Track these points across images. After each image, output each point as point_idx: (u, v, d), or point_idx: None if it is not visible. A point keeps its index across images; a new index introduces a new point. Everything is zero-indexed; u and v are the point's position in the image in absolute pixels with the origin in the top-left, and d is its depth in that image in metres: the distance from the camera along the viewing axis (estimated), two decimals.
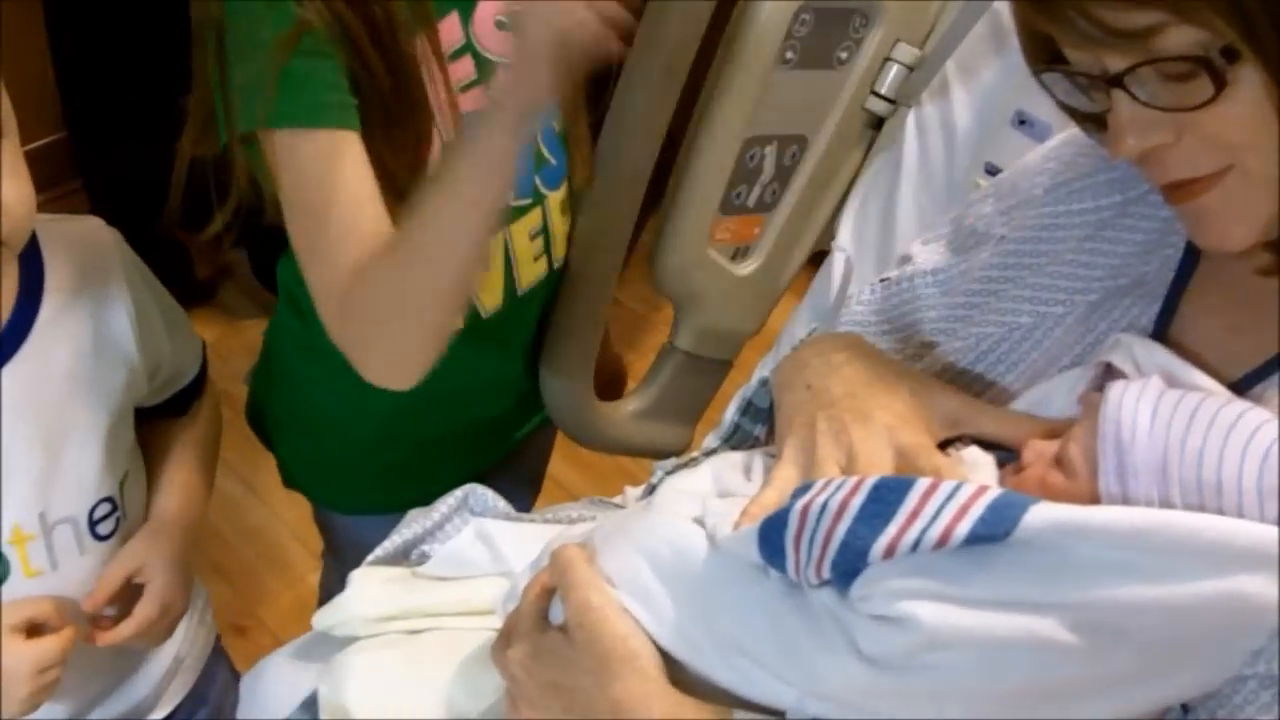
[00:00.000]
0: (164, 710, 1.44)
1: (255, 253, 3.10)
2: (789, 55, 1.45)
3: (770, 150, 1.53)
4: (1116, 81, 0.86)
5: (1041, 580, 0.81)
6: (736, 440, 1.25)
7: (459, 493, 1.32)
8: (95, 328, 1.23)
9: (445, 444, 1.61)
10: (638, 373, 1.85)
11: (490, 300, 1.48)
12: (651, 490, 1.27)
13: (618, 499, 1.50)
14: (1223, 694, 0.84)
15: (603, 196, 1.43)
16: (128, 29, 2.71)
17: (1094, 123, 0.97)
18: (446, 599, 1.24)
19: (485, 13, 1.35)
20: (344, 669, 1.17)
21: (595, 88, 1.66)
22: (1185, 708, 0.85)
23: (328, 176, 1.20)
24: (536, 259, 1.50)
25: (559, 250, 1.52)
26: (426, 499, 1.65)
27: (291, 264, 1.31)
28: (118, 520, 1.27)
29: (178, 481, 1.38)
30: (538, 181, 1.46)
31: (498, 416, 1.64)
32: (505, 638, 1.05)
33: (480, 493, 1.32)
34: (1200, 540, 0.78)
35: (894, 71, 1.55)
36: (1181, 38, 0.81)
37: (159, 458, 1.37)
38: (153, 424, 1.37)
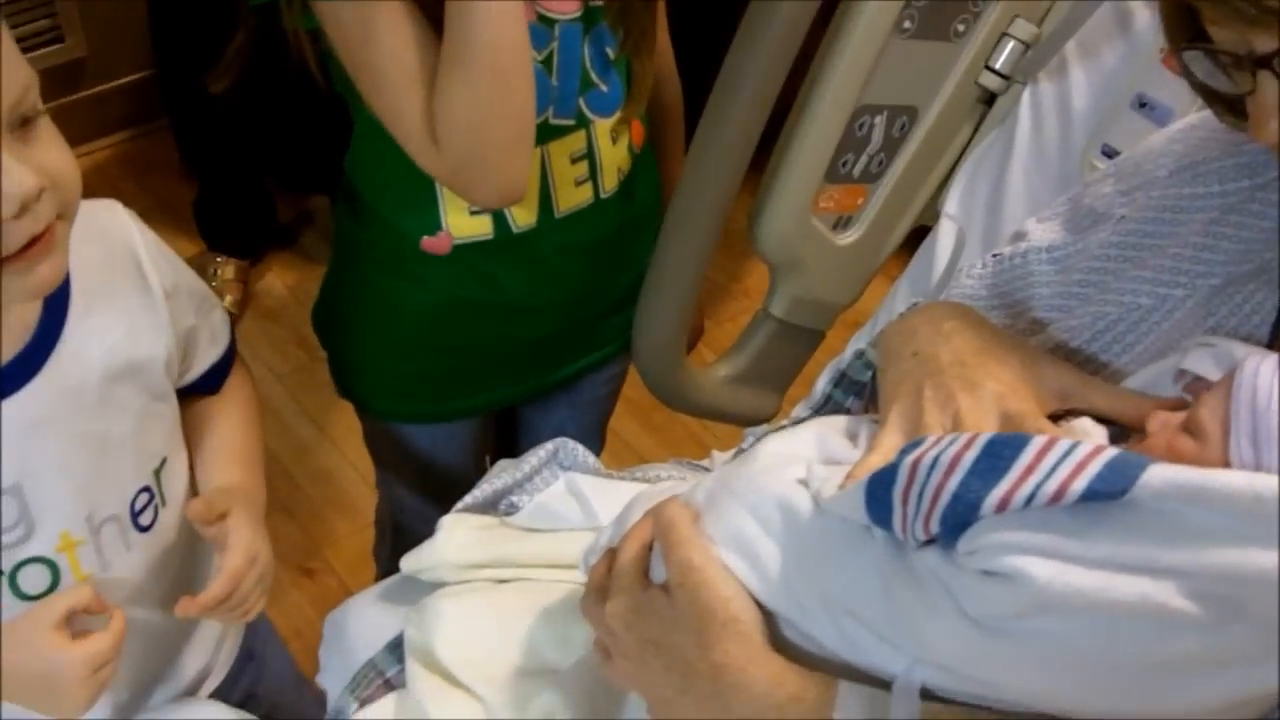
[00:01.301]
0: (219, 676, 1.44)
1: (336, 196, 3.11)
2: (906, 24, 1.44)
3: (880, 120, 1.52)
4: (1264, 63, 0.84)
5: (1158, 542, 0.78)
6: (828, 411, 1.24)
7: (549, 445, 1.32)
8: (126, 318, 1.20)
9: (482, 356, 1.66)
10: (714, 340, 1.85)
11: (522, 216, 1.51)
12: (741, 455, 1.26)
13: (704, 462, 1.49)
14: None
15: (708, 157, 1.42)
16: None
17: (1228, 106, 0.95)
18: (535, 551, 1.24)
19: None
20: (432, 613, 1.18)
21: (700, 48, 1.67)
22: None
23: (372, 35, 1.29)
24: (579, 184, 1.52)
25: (608, 180, 1.54)
26: (465, 411, 1.69)
27: (351, 155, 1.36)
28: (156, 509, 1.25)
29: (235, 454, 1.36)
30: (583, 105, 1.48)
31: (539, 339, 1.66)
32: (599, 591, 1.04)
33: (571, 447, 1.32)
34: None
35: (1010, 47, 1.54)
36: None
37: (203, 436, 1.35)
38: (190, 403, 1.34)
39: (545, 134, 1.45)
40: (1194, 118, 1.15)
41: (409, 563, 1.26)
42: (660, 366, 1.59)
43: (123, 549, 1.22)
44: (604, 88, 1.49)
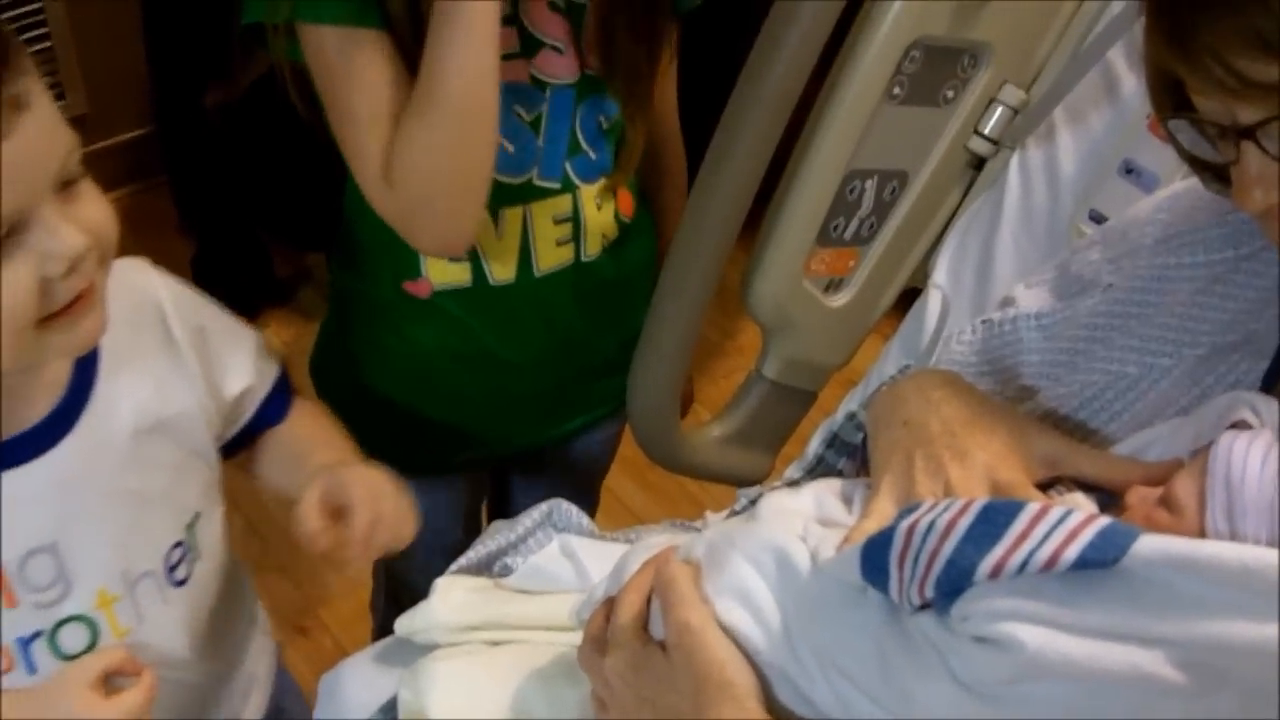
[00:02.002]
0: None
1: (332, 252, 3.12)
2: (896, 90, 1.45)
3: (871, 184, 1.53)
4: (1248, 134, 0.85)
5: (1147, 612, 0.79)
6: (820, 473, 1.25)
7: (544, 507, 1.32)
8: (153, 376, 1.20)
9: (469, 411, 1.68)
10: (708, 398, 1.86)
11: (501, 271, 1.53)
12: (735, 516, 1.27)
13: (697, 523, 1.50)
14: None
15: (702, 220, 1.43)
16: (219, 28, 2.75)
17: (1214, 174, 0.96)
18: (529, 612, 1.24)
19: None
20: (426, 675, 1.18)
21: (696, 109, 1.69)
22: None
23: (349, 69, 1.32)
24: (560, 244, 1.54)
25: (591, 245, 1.57)
26: (455, 467, 1.70)
27: (347, 195, 1.46)
28: (191, 563, 1.25)
29: (329, 454, 1.34)
30: (569, 169, 1.50)
31: (526, 396, 1.67)
32: (596, 643, 1.05)
33: (565, 509, 1.32)
34: None
35: (999, 113, 1.55)
36: None
37: (286, 457, 1.35)
38: (264, 439, 1.35)
39: (528, 194, 1.48)
40: (1179, 186, 1.16)
41: (403, 625, 1.26)
42: (654, 426, 1.60)
43: (160, 603, 1.22)
44: (593, 155, 1.51)
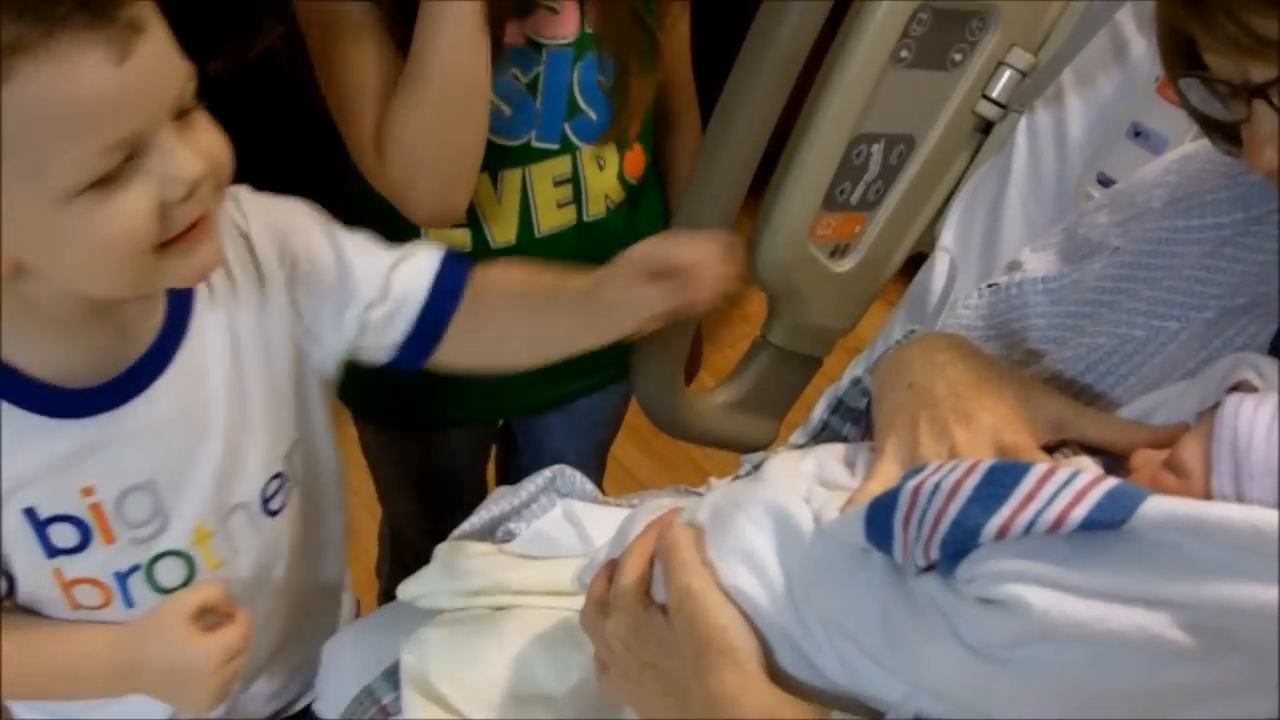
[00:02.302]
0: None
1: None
2: (903, 54, 1.45)
3: (877, 148, 1.53)
4: (1260, 92, 0.84)
5: (1155, 574, 0.79)
6: (825, 438, 1.25)
7: (547, 473, 1.32)
8: (247, 306, 1.18)
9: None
10: (714, 366, 1.85)
11: (501, 234, 1.53)
12: (740, 480, 1.26)
13: (701, 489, 1.49)
14: None
15: (707, 185, 1.43)
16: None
17: (1224, 134, 0.96)
18: (532, 577, 1.24)
19: None
20: (428, 641, 1.18)
21: (703, 73, 1.68)
22: None
23: (338, 42, 1.33)
24: (562, 206, 1.54)
25: (594, 206, 1.56)
26: (455, 421, 1.69)
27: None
28: (287, 492, 1.25)
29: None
30: (568, 130, 1.50)
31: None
32: (599, 606, 1.05)
33: (568, 474, 1.32)
34: None
35: (1007, 76, 1.54)
36: None
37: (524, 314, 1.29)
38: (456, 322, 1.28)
39: (527, 156, 1.48)
40: (1189, 148, 1.15)
41: (405, 590, 1.26)
42: (658, 393, 1.60)
43: (252, 534, 1.23)
44: (592, 115, 1.50)
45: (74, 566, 1.14)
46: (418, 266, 1.26)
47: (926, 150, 1.57)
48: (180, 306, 1.14)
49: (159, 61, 0.95)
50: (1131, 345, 1.07)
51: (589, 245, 1.57)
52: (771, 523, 0.97)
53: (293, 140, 2.66)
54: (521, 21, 1.42)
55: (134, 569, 1.17)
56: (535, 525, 1.27)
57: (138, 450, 1.12)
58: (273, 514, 1.24)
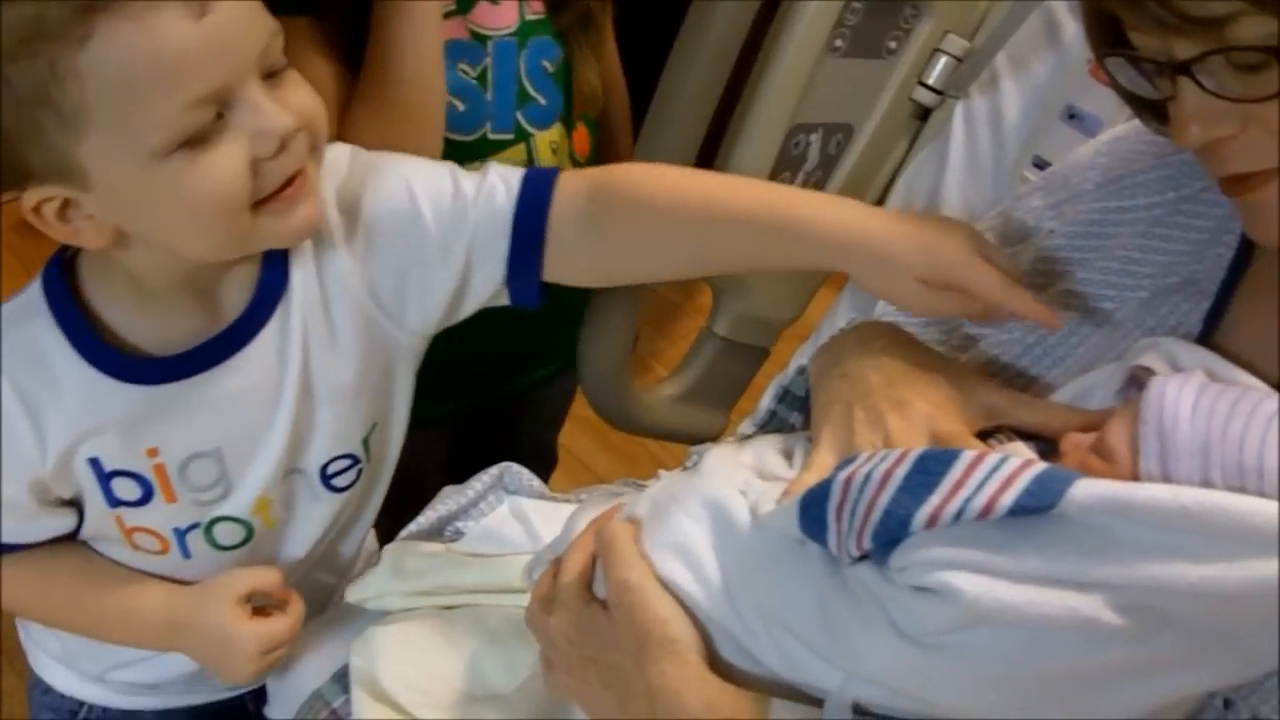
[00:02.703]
0: None
1: None
2: (838, 43, 1.44)
3: (815, 138, 1.53)
4: (1184, 69, 0.85)
5: (1085, 556, 0.80)
6: (772, 428, 1.25)
7: (494, 470, 1.32)
8: (338, 281, 1.16)
9: (435, 365, 1.63)
10: (667, 359, 1.85)
11: None
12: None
13: (649, 482, 1.50)
14: (1266, 687, 0.83)
15: None
16: None
17: (1153, 112, 0.96)
18: (481, 576, 1.24)
19: None
20: (377, 642, 1.18)
21: (637, 66, 1.67)
22: (1227, 702, 0.84)
23: None
24: None
25: None
26: (417, 423, 1.67)
27: None
28: (359, 472, 1.25)
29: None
30: (520, 118, 1.50)
31: (483, 352, 1.63)
32: (543, 603, 1.05)
33: (515, 471, 1.32)
34: (1248, 523, 0.77)
35: (942, 63, 1.54)
36: (1255, 28, 0.80)
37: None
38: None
39: (483, 148, 1.47)
40: (1120, 129, 1.16)
41: (354, 592, 1.25)
42: (606, 386, 1.59)
43: (310, 500, 1.24)
44: (542, 100, 1.51)
45: (134, 517, 1.17)
46: (497, 186, 1.19)
47: (865, 139, 1.57)
48: (274, 283, 1.13)
49: (240, 17, 0.96)
50: (1067, 327, 1.08)
51: None
52: (707, 516, 0.98)
53: None
54: (464, 16, 1.42)
55: (193, 527, 1.19)
56: (483, 523, 1.27)
57: (207, 418, 1.13)
58: (336, 490, 1.24)
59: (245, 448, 1.16)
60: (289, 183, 1.02)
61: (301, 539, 1.26)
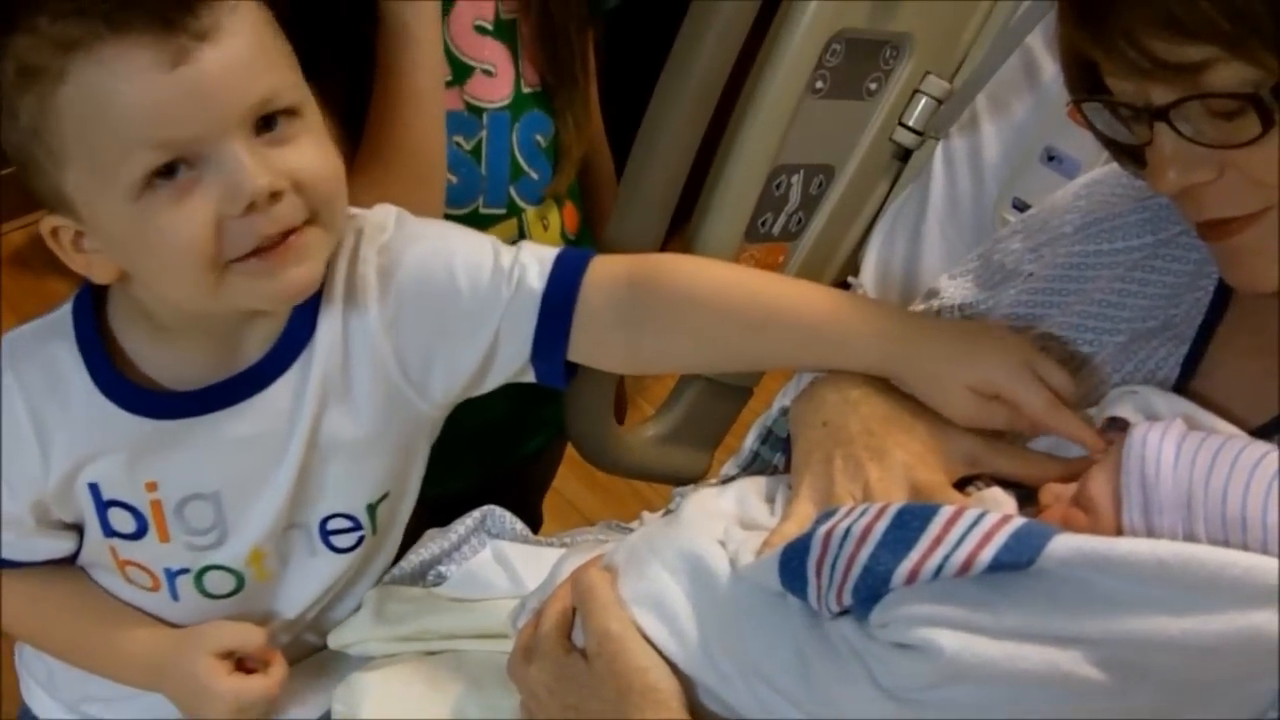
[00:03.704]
0: None
1: None
2: (819, 84, 1.45)
3: (797, 179, 1.53)
4: (1161, 115, 0.85)
5: (1064, 611, 0.80)
6: (755, 468, 1.25)
7: (476, 514, 1.32)
8: (364, 342, 1.14)
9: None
10: (653, 396, 1.85)
11: None
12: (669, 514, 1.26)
13: (634, 524, 1.49)
14: None
15: (628, 221, 1.43)
16: None
17: (1130, 157, 0.97)
18: (463, 621, 1.23)
19: (463, 14, 1.40)
20: (360, 688, 1.17)
21: (619, 109, 1.68)
22: None
23: None
24: None
25: None
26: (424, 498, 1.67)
27: None
28: (360, 537, 1.22)
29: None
30: (514, 193, 1.49)
31: (479, 427, 1.62)
32: (525, 653, 1.05)
33: (498, 514, 1.32)
34: (1225, 575, 0.78)
35: (923, 104, 1.55)
36: (1231, 74, 0.81)
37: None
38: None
39: (475, 223, 1.43)
40: (1098, 173, 1.16)
41: (335, 638, 1.25)
42: (589, 428, 1.59)
43: (307, 555, 1.22)
44: (534, 175, 1.50)
45: (128, 550, 1.16)
46: (530, 265, 1.17)
47: (846, 179, 1.58)
48: (298, 334, 1.12)
49: (227, 70, 0.95)
50: None
51: None
52: (684, 569, 0.98)
53: None
54: (460, 87, 1.42)
55: (183, 571, 1.18)
56: (466, 567, 1.26)
57: (211, 460, 1.12)
58: (335, 550, 1.22)
59: (245, 495, 1.15)
60: (278, 244, 1.00)
61: (295, 598, 1.24)
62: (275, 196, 0.98)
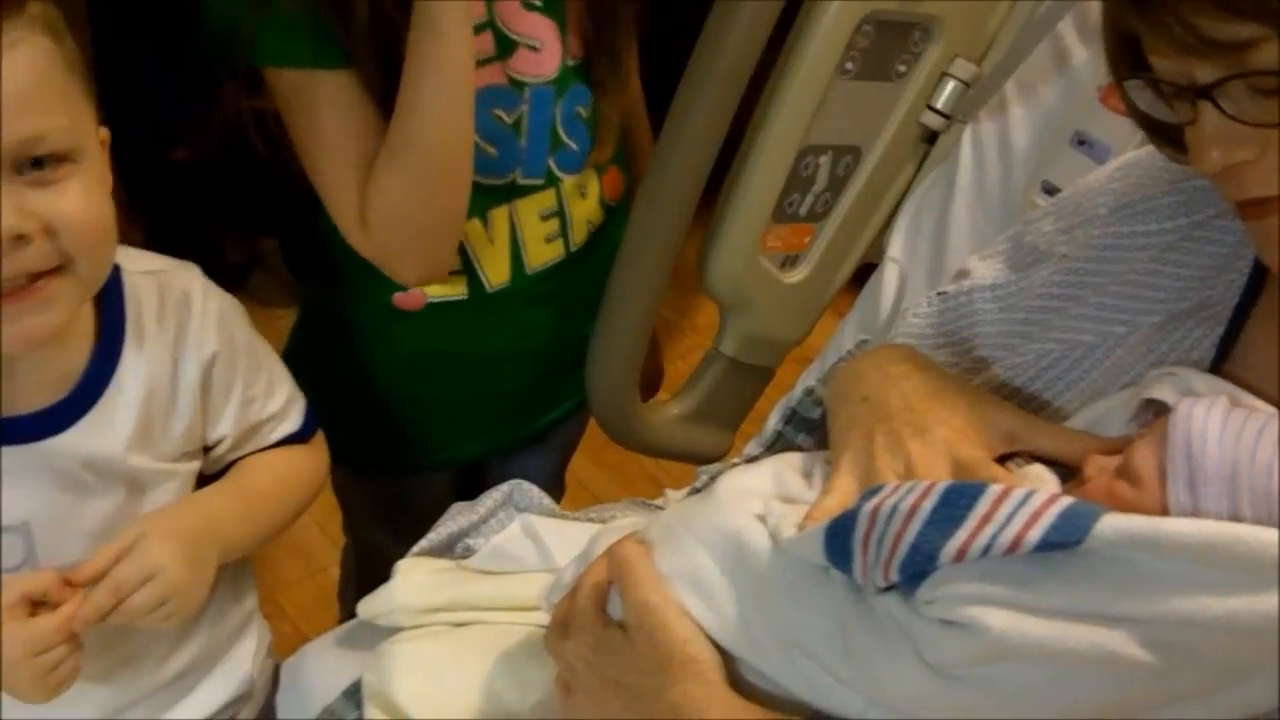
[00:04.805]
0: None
1: (286, 241, 3.10)
2: (848, 66, 1.46)
3: (825, 160, 1.54)
4: (1205, 93, 0.85)
5: (1111, 591, 0.80)
6: (779, 448, 1.25)
7: (504, 488, 1.32)
8: (163, 385, 1.17)
9: (456, 409, 1.65)
10: (666, 377, 1.86)
11: (496, 275, 1.52)
12: (696, 494, 1.27)
13: (658, 501, 1.50)
14: None
15: (657, 197, 1.43)
16: (168, 21, 2.73)
17: (1168, 138, 0.97)
18: (491, 593, 1.24)
19: None
20: (390, 658, 1.18)
21: (659, 79, 1.68)
22: None
23: (314, 112, 1.31)
24: (550, 240, 1.53)
25: (577, 235, 1.56)
26: (438, 464, 1.68)
27: (325, 215, 1.40)
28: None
29: (199, 498, 1.26)
30: (552, 164, 1.49)
31: (512, 391, 1.66)
32: (562, 627, 1.05)
33: (525, 488, 1.32)
34: (1272, 555, 0.77)
35: (950, 87, 1.56)
36: (1277, 52, 0.80)
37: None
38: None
39: (512, 193, 1.47)
40: (1131, 156, 1.16)
41: (365, 608, 1.25)
42: (613, 405, 1.60)
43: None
44: (574, 146, 1.50)
45: None
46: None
47: (873, 161, 1.59)
48: (106, 359, 1.13)
49: None
50: (1079, 351, 1.08)
51: (572, 278, 1.57)
52: (721, 545, 0.98)
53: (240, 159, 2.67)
54: (504, 61, 1.42)
55: None
56: (494, 541, 1.27)
57: (16, 490, 1.10)
58: None
59: (58, 527, 1.13)
60: (21, 290, 0.99)
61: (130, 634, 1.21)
62: (21, 239, 0.97)
